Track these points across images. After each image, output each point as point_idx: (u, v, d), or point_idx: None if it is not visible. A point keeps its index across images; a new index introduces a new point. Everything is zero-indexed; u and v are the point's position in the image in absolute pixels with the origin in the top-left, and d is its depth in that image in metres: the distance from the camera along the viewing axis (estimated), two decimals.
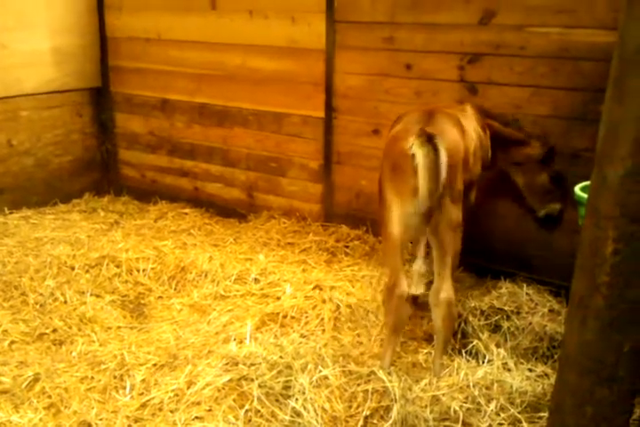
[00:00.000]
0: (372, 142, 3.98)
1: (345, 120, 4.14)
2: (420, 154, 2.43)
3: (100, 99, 5.30)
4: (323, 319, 3.20)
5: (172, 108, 4.98)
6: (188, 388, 2.62)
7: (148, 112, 5.12)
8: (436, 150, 2.42)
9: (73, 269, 3.71)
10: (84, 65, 5.15)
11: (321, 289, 3.48)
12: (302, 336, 3.06)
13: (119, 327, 3.25)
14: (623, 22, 1.60)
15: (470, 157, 2.81)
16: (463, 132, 2.79)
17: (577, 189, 2.85)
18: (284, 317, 3.23)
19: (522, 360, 2.77)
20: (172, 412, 2.52)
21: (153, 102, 5.07)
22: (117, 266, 3.74)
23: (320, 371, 2.60)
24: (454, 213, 2.63)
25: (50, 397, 2.66)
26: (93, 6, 5.09)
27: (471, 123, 3.04)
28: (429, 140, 2.43)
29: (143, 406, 2.59)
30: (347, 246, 4.08)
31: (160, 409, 2.55)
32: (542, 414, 2.32)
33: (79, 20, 5.05)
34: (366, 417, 2.40)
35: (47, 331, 3.19)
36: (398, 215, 2.62)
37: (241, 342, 3.01)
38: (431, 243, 2.71)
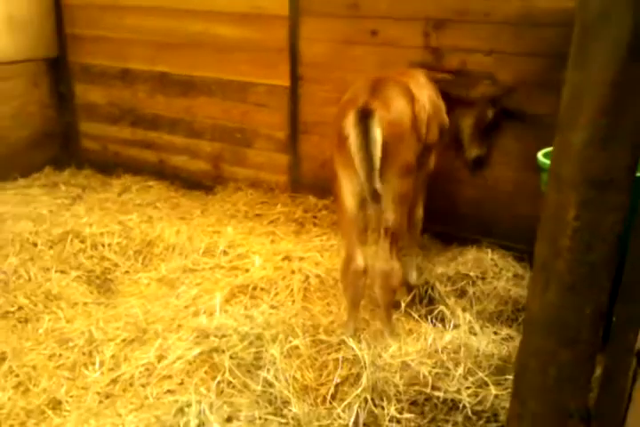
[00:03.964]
0: None
1: (311, 89, 4.08)
2: (352, 134, 2.38)
3: (57, 69, 5.11)
4: (292, 290, 3.21)
5: (132, 78, 4.84)
6: (159, 362, 2.61)
7: (108, 82, 4.97)
8: (368, 130, 2.36)
9: (36, 245, 3.62)
10: (40, 34, 4.93)
11: (290, 260, 3.49)
12: (272, 307, 3.07)
13: (86, 303, 3.20)
14: None
15: (422, 126, 2.74)
16: (413, 101, 2.70)
17: (539, 155, 2.88)
18: (254, 288, 3.23)
19: (487, 324, 2.82)
20: (143, 386, 2.52)
21: (113, 72, 4.91)
22: (82, 241, 3.66)
23: (290, 341, 2.62)
24: (398, 186, 2.56)
25: (17, 375, 2.63)
26: None
27: (424, 90, 2.96)
28: (365, 118, 2.37)
29: (114, 381, 2.58)
30: (315, 217, 4.08)
31: (131, 384, 2.55)
32: (508, 377, 2.38)
33: None
34: (337, 385, 2.43)
35: (12, 309, 3.11)
36: (349, 189, 2.58)
37: (211, 314, 2.99)
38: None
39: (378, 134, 2.38)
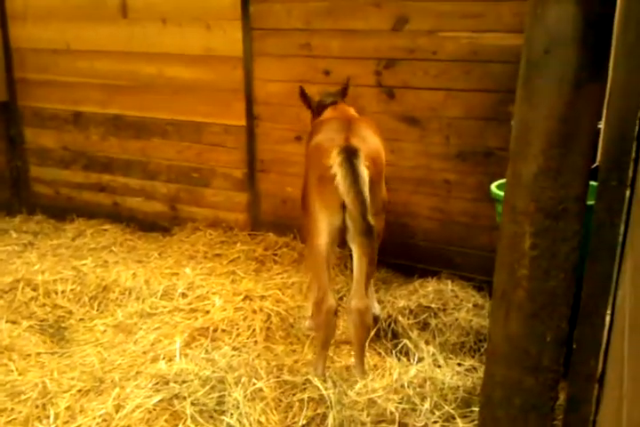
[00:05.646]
0: (296, 149, 3.97)
1: (267, 127, 4.12)
2: (340, 174, 2.40)
3: (6, 113, 5.03)
4: (254, 330, 3.15)
5: (84, 121, 4.79)
6: (117, 412, 2.49)
7: (60, 126, 4.91)
8: (356, 169, 2.39)
9: None
10: None
11: (251, 299, 3.42)
12: (234, 349, 2.99)
13: (39, 354, 3.06)
14: (528, 26, 1.66)
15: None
16: (381, 137, 2.80)
17: (493, 186, 2.95)
18: (215, 330, 3.15)
19: (451, 356, 2.81)
20: None
21: (64, 116, 4.86)
22: (34, 289, 3.54)
23: (254, 383, 2.55)
24: (377, 222, 2.57)
25: None
26: None
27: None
28: (350, 158, 2.41)
29: None
30: (275, 254, 4.04)
31: None
32: (474, 409, 2.36)
33: None
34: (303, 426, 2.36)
35: None
36: (325, 227, 2.57)
37: (170, 359, 2.90)
38: (353, 252, 2.65)
39: (365, 171, 2.42)
